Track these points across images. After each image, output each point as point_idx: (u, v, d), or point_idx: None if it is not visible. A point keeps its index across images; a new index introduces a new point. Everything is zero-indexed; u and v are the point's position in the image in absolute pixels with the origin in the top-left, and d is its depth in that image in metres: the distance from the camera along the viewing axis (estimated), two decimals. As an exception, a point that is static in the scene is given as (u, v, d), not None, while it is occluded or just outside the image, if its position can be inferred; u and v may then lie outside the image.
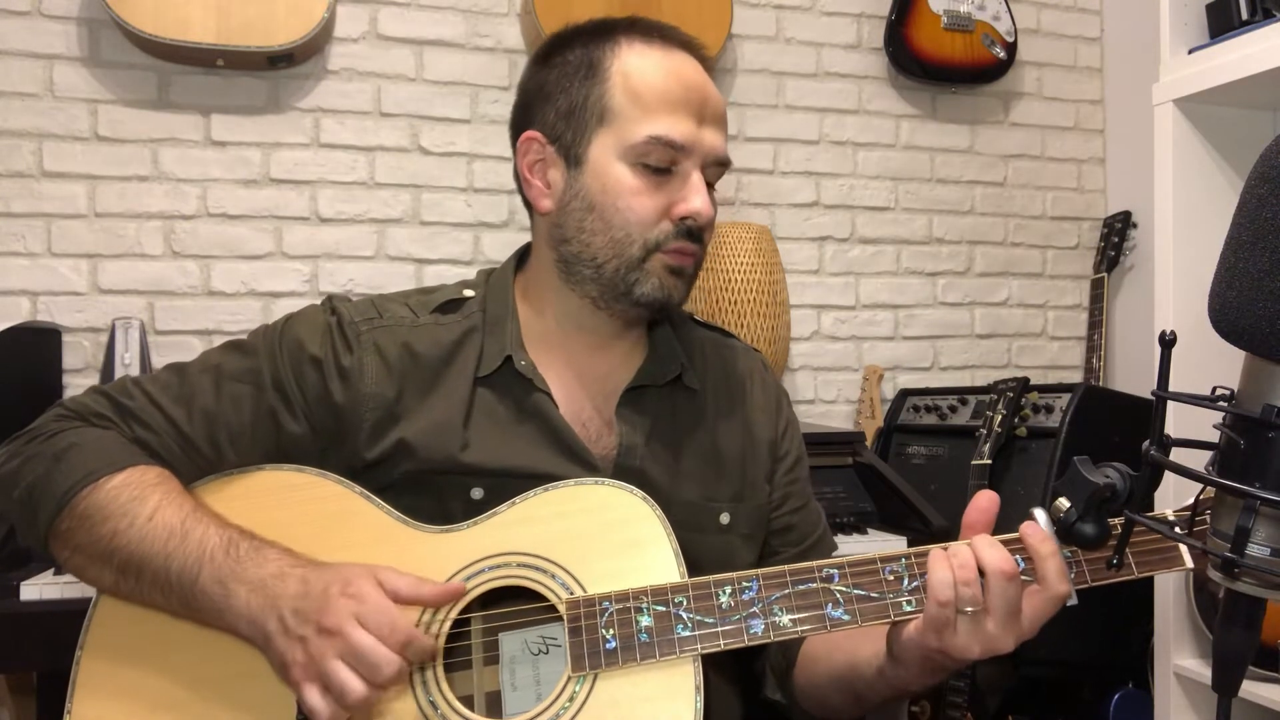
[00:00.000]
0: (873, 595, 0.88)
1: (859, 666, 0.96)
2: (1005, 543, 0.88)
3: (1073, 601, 0.85)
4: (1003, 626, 0.84)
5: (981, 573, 0.83)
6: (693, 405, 1.08)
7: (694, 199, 0.97)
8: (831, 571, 0.88)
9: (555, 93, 1.00)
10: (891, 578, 0.88)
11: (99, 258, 1.97)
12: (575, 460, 0.99)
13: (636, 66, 0.98)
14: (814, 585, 0.88)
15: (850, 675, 0.98)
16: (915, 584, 0.87)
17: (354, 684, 0.78)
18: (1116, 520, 0.85)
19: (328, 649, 0.79)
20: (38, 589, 1.37)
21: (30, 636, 1.35)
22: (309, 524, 0.93)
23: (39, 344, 1.84)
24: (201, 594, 0.84)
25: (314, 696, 0.79)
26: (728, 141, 1.03)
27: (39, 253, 1.93)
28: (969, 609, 0.83)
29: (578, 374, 1.04)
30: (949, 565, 0.84)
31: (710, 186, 1.01)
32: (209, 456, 0.97)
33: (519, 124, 1.04)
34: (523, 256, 1.10)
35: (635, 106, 0.97)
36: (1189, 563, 0.90)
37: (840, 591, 0.88)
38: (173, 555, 0.85)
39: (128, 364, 1.81)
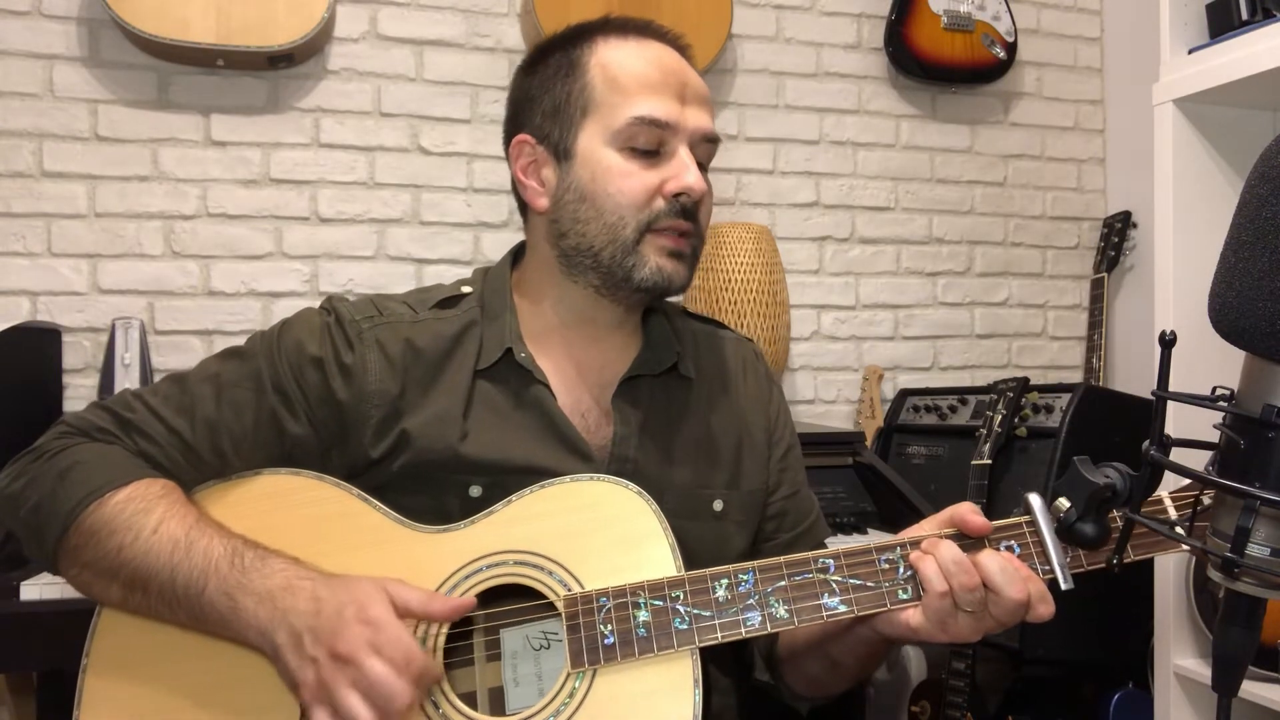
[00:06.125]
0: (869, 584, 0.88)
1: (828, 627, 0.96)
2: (1000, 530, 0.89)
3: (1068, 585, 0.86)
4: (1009, 616, 0.85)
5: (986, 585, 0.85)
6: (687, 394, 1.09)
7: (685, 175, 0.98)
8: (827, 562, 0.89)
9: (540, 95, 1.03)
10: (887, 566, 0.89)
11: (99, 258, 1.97)
12: (571, 451, 0.99)
13: (613, 57, 1.00)
14: (810, 576, 0.88)
15: (822, 638, 0.99)
16: (910, 572, 0.88)
17: (365, 716, 0.77)
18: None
19: (340, 677, 0.78)
20: (38, 589, 1.37)
21: (30, 636, 1.35)
22: (307, 527, 0.93)
23: (39, 344, 1.84)
24: (208, 606, 0.84)
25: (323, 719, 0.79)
26: (724, 140, 1.04)
27: (39, 253, 1.93)
28: (969, 608, 0.85)
29: (576, 365, 1.05)
30: (932, 556, 0.86)
31: (703, 167, 1.02)
32: (213, 465, 0.97)
33: (509, 132, 1.07)
34: (518, 254, 1.11)
35: (616, 93, 0.98)
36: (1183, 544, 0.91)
37: (836, 581, 0.88)
38: (178, 568, 0.85)
39: (128, 364, 1.81)
